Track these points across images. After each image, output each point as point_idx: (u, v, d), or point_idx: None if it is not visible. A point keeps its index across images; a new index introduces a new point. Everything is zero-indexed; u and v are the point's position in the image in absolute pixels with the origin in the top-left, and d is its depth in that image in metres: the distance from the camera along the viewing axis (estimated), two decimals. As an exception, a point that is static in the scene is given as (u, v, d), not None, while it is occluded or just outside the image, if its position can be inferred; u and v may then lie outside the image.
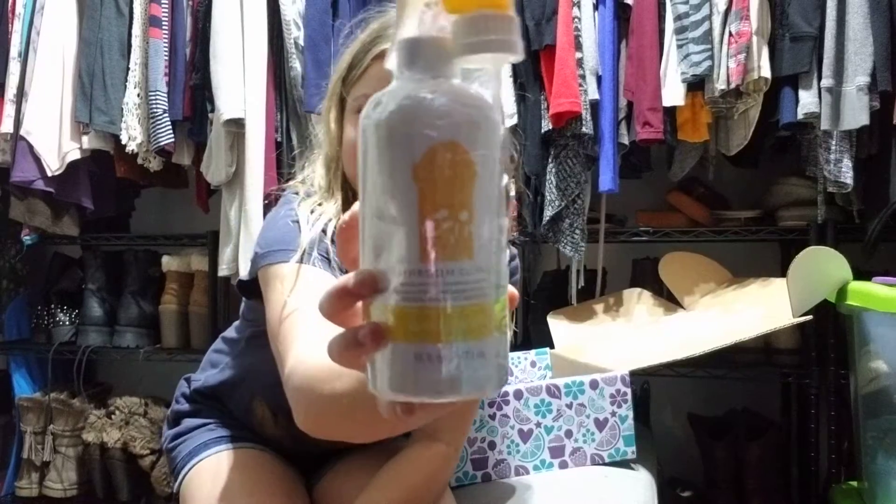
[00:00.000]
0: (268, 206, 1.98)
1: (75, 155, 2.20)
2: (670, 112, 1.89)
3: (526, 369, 1.68)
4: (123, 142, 2.14)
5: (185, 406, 1.26)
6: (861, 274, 1.67)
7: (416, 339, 0.45)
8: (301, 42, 2.05)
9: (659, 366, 1.58)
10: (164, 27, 2.11)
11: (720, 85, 1.80)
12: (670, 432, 2.36)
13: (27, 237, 2.34)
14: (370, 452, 1.20)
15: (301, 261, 0.93)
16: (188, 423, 1.23)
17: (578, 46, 1.86)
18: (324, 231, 0.98)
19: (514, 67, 1.97)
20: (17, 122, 2.20)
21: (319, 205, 1.04)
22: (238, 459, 1.14)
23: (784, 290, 1.63)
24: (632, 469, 1.30)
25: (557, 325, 1.98)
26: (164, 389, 2.36)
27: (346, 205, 1.04)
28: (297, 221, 1.00)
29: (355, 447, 1.22)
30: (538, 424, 1.27)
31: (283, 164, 1.99)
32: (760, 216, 2.08)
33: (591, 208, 2.01)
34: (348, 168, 1.06)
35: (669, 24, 1.87)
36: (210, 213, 2.33)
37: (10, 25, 2.25)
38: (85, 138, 2.20)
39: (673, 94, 1.86)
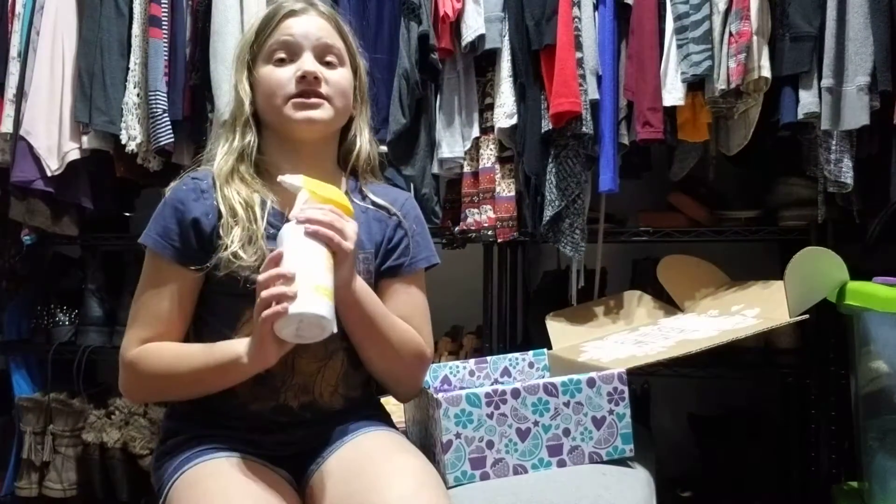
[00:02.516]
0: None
1: (75, 155, 2.20)
2: (670, 112, 1.89)
3: (524, 370, 1.68)
4: (123, 142, 2.13)
5: (171, 423, 1.28)
6: (861, 274, 1.67)
7: None
8: (301, 42, 2.05)
9: (656, 364, 1.57)
10: (163, 27, 2.11)
11: (720, 85, 1.80)
12: (670, 432, 2.36)
13: (27, 237, 2.34)
14: (359, 447, 1.21)
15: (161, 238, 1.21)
16: (172, 442, 1.24)
17: (578, 46, 1.86)
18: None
19: (514, 67, 1.97)
20: (17, 122, 2.20)
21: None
22: (220, 468, 1.14)
23: (782, 292, 1.62)
24: (630, 467, 1.30)
25: (556, 327, 1.98)
26: (164, 389, 2.36)
27: (255, 139, 1.28)
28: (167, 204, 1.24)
29: (343, 438, 1.24)
30: (536, 423, 1.26)
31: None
32: (761, 216, 2.08)
33: (591, 208, 2.01)
34: (269, 102, 1.25)
35: (669, 24, 1.87)
36: (210, 213, 2.32)
37: (9, 25, 2.25)
38: (85, 138, 2.19)
39: (673, 93, 1.85)
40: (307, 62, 1.24)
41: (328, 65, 1.27)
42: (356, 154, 1.34)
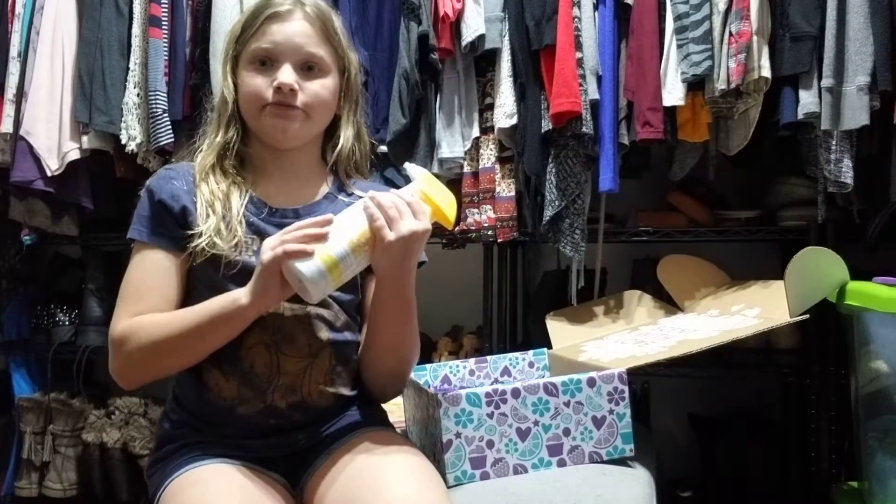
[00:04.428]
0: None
1: (75, 155, 2.20)
2: (670, 112, 1.89)
3: (524, 370, 1.68)
4: (123, 142, 2.14)
5: (164, 430, 1.28)
6: (861, 274, 1.67)
7: None
8: (301, 42, 2.06)
9: (656, 364, 1.57)
10: (163, 27, 2.11)
11: (720, 85, 1.80)
12: (670, 432, 2.36)
13: (27, 237, 2.34)
14: (356, 447, 1.20)
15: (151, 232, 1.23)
16: (165, 449, 1.24)
17: (578, 46, 1.86)
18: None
19: (514, 67, 1.97)
20: (17, 122, 2.20)
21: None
22: (207, 474, 1.14)
23: (782, 292, 1.62)
24: (630, 467, 1.30)
25: (556, 326, 1.98)
26: (164, 389, 2.34)
27: (239, 135, 1.29)
28: (151, 190, 1.25)
29: (340, 439, 1.24)
30: (536, 423, 1.26)
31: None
32: (761, 216, 2.08)
33: (591, 208, 2.01)
34: (247, 107, 1.26)
35: (669, 24, 1.87)
36: (210, 213, 2.33)
37: (9, 25, 2.25)
38: (85, 138, 2.20)
39: (673, 93, 1.86)
40: (284, 73, 1.22)
41: (310, 70, 1.25)
42: (338, 152, 1.34)
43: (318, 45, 1.26)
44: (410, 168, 1.20)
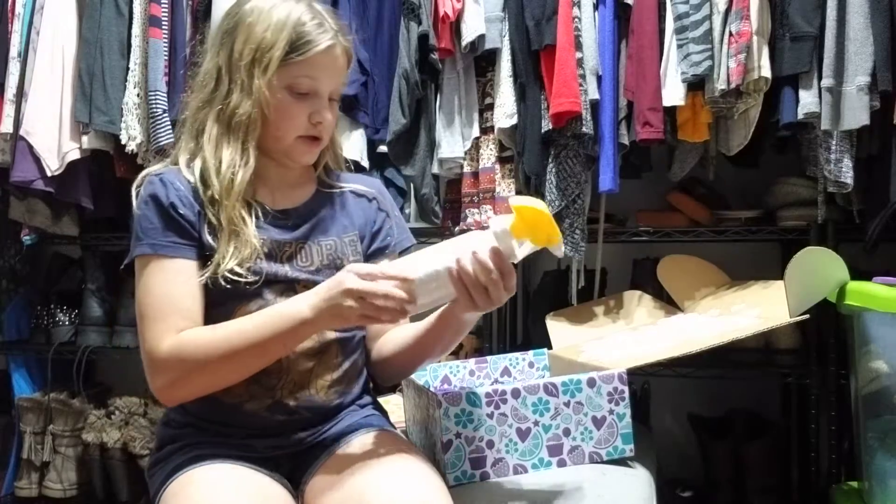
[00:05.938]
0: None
1: (75, 155, 2.20)
2: (670, 112, 1.89)
3: (524, 370, 1.68)
4: (123, 142, 2.14)
5: (166, 431, 1.27)
6: (861, 274, 1.67)
7: None
8: (301, 42, 2.06)
9: (656, 364, 1.57)
10: (163, 27, 2.11)
11: (720, 85, 1.80)
12: (670, 432, 2.36)
13: (27, 237, 2.34)
14: (358, 447, 1.21)
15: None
16: (166, 449, 1.23)
17: (578, 46, 1.86)
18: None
19: (514, 67, 1.97)
20: (17, 122, 2.20)
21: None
22: (208, 475, 1.14)
23: (782, 292, 1.62)
24: (630, 467, 1.30)
25: (556, 326, 1.98)
26: (164, 389, 2.36)
27: (262, 150, 1.25)
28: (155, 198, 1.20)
29: (342, 439, 1.24)
30: (536, 423, 1.26)
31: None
32: (761, 216, 2.08)
33: (591, 208, 2.01)
34: (279, 131, 1.24)
35: (669, 24, 1.87)
36: (210, 212, 2.33)
37: (9, 25, 2.25)
38: (85, 138, 2.20)
39: (673, 93, 1.86)
40: (324, 110, 1.25)
41: (333, 99, 1.28)
42: (328, 150, 1.35)
43: (344, 75, 1.30)
44: (498, 218, 1.18)
